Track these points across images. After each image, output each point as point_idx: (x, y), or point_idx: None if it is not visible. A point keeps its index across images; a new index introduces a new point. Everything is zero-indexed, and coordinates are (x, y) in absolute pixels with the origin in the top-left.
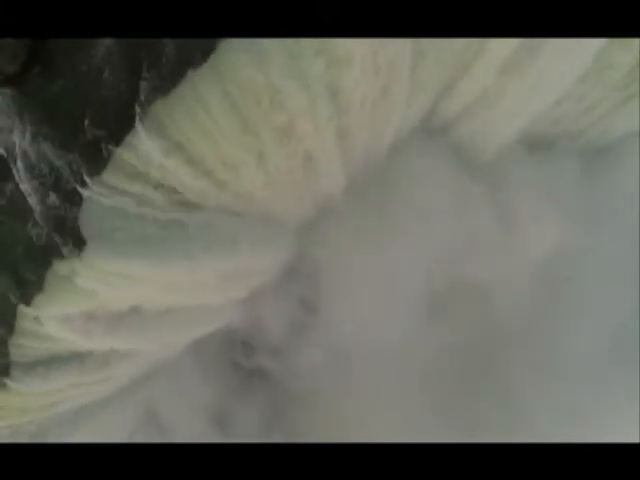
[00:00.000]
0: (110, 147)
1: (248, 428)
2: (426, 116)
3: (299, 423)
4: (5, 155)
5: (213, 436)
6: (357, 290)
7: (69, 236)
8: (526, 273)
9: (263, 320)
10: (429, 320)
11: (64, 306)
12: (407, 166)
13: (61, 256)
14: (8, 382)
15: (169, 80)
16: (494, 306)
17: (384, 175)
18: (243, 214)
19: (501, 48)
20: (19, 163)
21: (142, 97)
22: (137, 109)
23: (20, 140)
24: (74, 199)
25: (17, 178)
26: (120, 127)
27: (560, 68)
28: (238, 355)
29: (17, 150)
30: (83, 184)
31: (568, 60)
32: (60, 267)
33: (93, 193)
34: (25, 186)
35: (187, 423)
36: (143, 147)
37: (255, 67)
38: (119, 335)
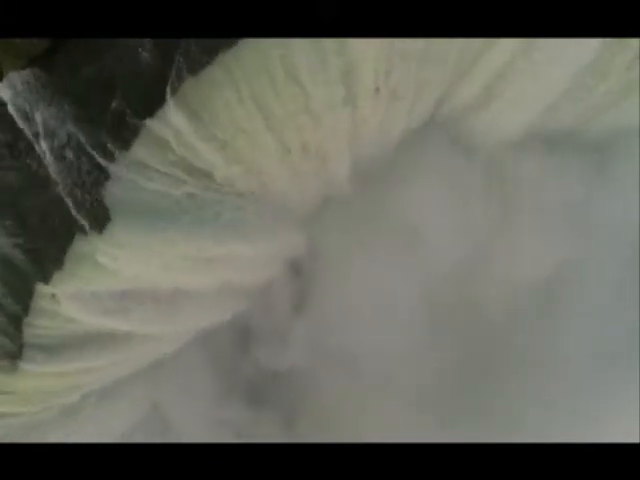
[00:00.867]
0: (139, 122)
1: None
2: (432, 111)
3: (305, 417)
4: (29, 134)
5: (218, 429)
6: (359, 283)
7: (93, 211)
8: (525, 269)
9: (268, 312)
10: (432, 311)
11: (83, 283)
12: (411, 161)
13: (84, 231)
14: (21, 364)
15: (200, 61)
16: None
17: (388, 169)
18: (258, 197)
19: (505, 43)
20: (42, 142)
21: (174, 76)
22: (169, 87)
23: (44, 118)
24: (99, 175)
25: (41, 155)
26: (150, 103)
27: (561, 62)
28: (244, 348)
29: (40, 129)
30: (110, 159)
31: (569, 54)
32: (81, 243)
33: (120, 168)
34: (49, 163)
35: (191, 416)
36: (172, 124)
37: (278, 56)
38: (135, 316)
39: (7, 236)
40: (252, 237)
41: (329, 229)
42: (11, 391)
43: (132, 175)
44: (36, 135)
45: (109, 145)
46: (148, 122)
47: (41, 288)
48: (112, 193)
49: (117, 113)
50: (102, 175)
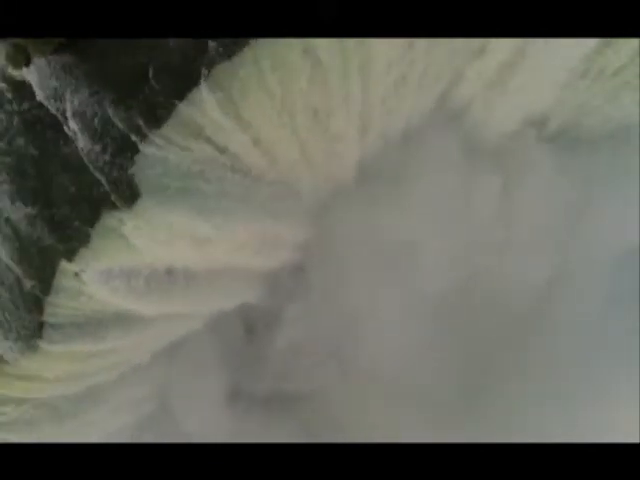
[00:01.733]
0: (172, 103)
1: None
2: (437, 102)
3: (310, 410)
4: (57, 114)
5: (226, 419)
6: (365, 272)
7: (122, 188)
8: (527, 265)
9: (276, 302)
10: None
11: (108, 261)
12: (418, 152)
13: (112, 208)
14: (40, 344)
15: (232, 46)
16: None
17: (396, 160)
18: (275, 182)
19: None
20: (72, 122)
21: (207, 59)
22: (203, 69)
23: (73, 100)
24: (131, 152)
25: (70, 135)
26: (183, 85)
27: (564, 54)
28: (252, 336)
29: (69, 110)
30: (142, 137)
31: (568, 48)
32: (109, 220)
33: (151, 146)
34: (79, 142)
35: (200, 405)
36: (203, 106)
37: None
38: (157, 297)
39: (31, 215)
40: (267, 221)
41: (335, 221)
42: (30, 374)
43: (163, 154)
44: (65, 115)
45: (141, 124)
46: (180, 103)
47: (64, 266)
48: (142, 170)
49: (150, 94)
50: (133, 152)
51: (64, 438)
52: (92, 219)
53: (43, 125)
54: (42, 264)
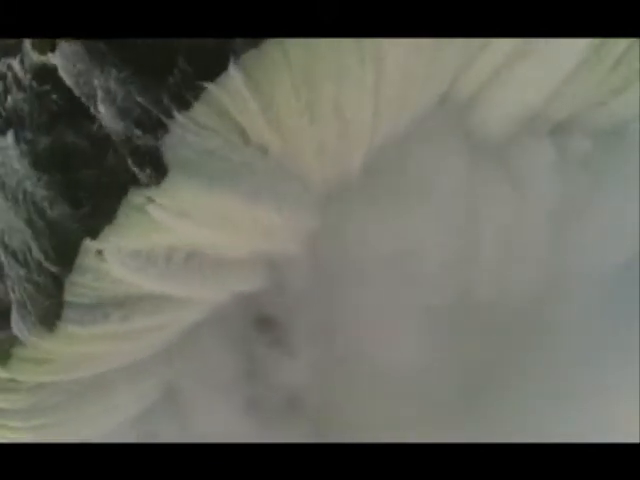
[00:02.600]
0: (201, 85)
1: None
2: (441, 98)
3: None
4: (85, 98)
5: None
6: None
7: (150, 165)
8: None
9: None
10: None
11: (131, 240)
12: (420, 147)
13: (139, 185)
14: (60, 324)
15: None
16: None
17: (399, 154)
18: (290, 168)
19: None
20: (100, 104)
21: (237, 44)
22: (232, 54)
23: (101, 83)
24: (159, 132)
25: (98, 116)
26: (212, 69)
27: (566, 49)
28: (259, 325)
29: (98, 92)
30: (170, 118)
31: (574, 41)
32: (136, 197)
33: (179, 126)
34: (107, 122)
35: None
36: (232, 90)
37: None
38: (179, 278)
39: (56, 193)
40: (278, 206)
41: (342, 212)
42: (47, 357)
43: (191, 134)
44: (93, 98)
45: (170, 105)
46: (209, 86)
47: (88, 244)
48: (171, 149)
49: (179, 76)
50: (162, 132)
51: (82, 424)
52: (118, 197)
53: (69, 107)
54: (65, 243)
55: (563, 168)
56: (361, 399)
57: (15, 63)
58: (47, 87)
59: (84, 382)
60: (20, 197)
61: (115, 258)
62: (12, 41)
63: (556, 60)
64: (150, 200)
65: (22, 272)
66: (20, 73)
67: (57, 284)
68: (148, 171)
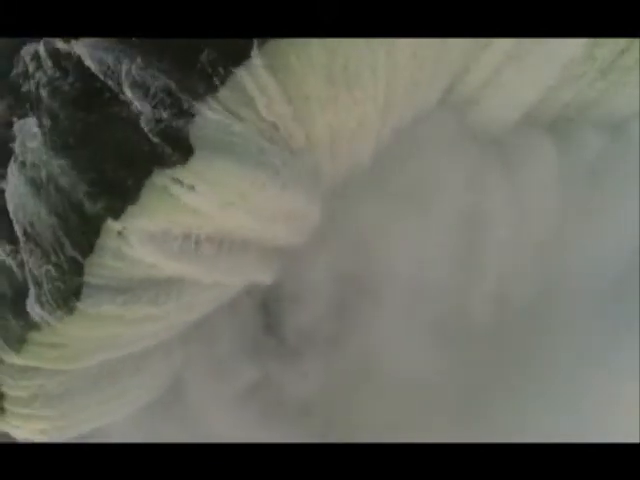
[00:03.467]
0: (228, 71)
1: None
2: (443, 94)
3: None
4: (110, 82)
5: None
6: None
7: (175, 145)
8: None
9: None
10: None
11: (155, 219)
12: (421, 143)
13: (165, 164)
14: (78, 305)
15: None
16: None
17: (401, 151)
18: (307, 157)
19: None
20: (127, 89)
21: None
22: (255, 43)
23: (128, 69)
24: (186, 112)
25: (125, 99)
26: (238, 55)
27: (566, 44)
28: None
29: (124, 78)
30: (197, 101)
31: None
32: (160, 177)
33: (206, 108)
34: (133, 105)
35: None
36: (256, 76)
37: None
38: (202, 261)
39: (78, 173)
40: (294, 194)
41: (349, 204)
42: (62, 342)
43: (217, 116)
44: (118, 81)
45: (197, 89)
46: (236, 70)
47: (110, 224)
48: (197, 130)
49: (207, 60)
50: (189, 112)
51: (91, 414)
52: (142, 176)
53: (93, 90)
54: (86, 223)
55: (564, 166)
56: (359, 399)
57: (40, 48)
58: (71, 71)
59: (97, 369)
60: (41, 178)
61: (137, 239)
62: None
63: (555, 56)
64: (174, 180)
65: (42, 253)
66: (44, 58)
67: (77, 265)
68: (173, 151)
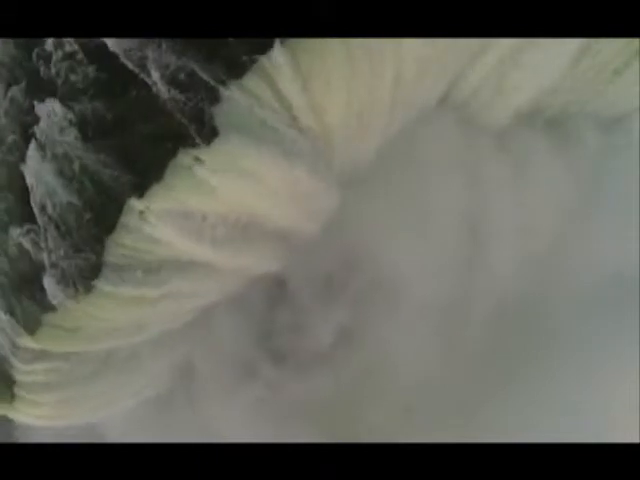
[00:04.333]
0: (252, 58)
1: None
2: (443, 93)
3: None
4: (135, 67)
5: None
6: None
7: (201, 126)
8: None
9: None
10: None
11: (178, 199)
12: (424, 137)
13: (189, 145)
14: (97, 284)
15: None
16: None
17: (403, 148)
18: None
19: None
20: (153, 72)
21: None
22: None
23: (154, 57)
24: (211, 95)
25: (150, 84)
26: (262, 44)
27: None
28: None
29: (151, 62)
30: (223, 85)
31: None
32: (185, 157)
33: (231, 92)
34: (159, 89)
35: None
36: (278, 63)
37: None
38: (223, 245)
39: (102, 152)
40: (316, 184)
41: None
42: (78, 325)
43: (243, 100)
44: (144, 66)
45: (223, 73)
46: (261, 58)
47: (132, 203)
48: (222, 113)
49: (231, 48)
50: (214, 95)
51: (103, 400)
52: (167, 156)
53: (118, 75)
54: (108, 201)
55: (564, 165)
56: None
57: None
58: (96, 57)
59: (110, 354)
60: (63, 156)
61: (159, 219)
62: None
63: (555, 54)
64: (198, 160)
65: (61, 232)
66: (68, 42)
67: (99, 243)
68: (198, 131)
